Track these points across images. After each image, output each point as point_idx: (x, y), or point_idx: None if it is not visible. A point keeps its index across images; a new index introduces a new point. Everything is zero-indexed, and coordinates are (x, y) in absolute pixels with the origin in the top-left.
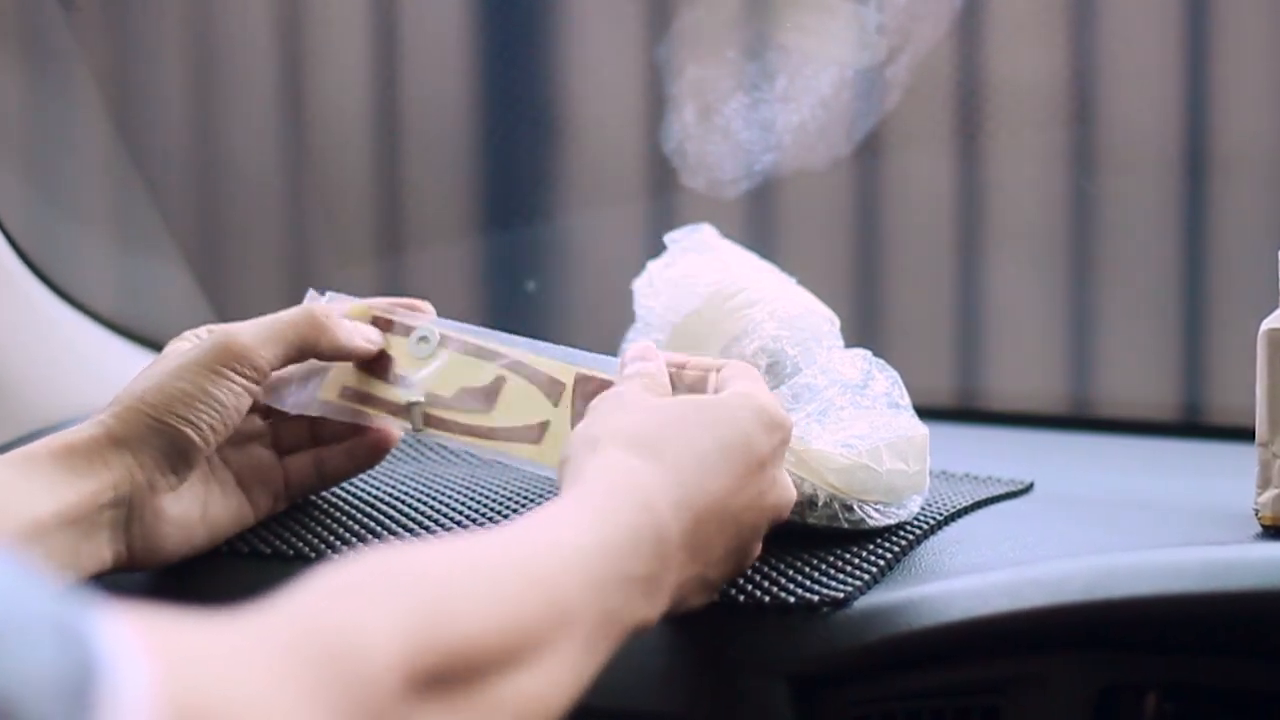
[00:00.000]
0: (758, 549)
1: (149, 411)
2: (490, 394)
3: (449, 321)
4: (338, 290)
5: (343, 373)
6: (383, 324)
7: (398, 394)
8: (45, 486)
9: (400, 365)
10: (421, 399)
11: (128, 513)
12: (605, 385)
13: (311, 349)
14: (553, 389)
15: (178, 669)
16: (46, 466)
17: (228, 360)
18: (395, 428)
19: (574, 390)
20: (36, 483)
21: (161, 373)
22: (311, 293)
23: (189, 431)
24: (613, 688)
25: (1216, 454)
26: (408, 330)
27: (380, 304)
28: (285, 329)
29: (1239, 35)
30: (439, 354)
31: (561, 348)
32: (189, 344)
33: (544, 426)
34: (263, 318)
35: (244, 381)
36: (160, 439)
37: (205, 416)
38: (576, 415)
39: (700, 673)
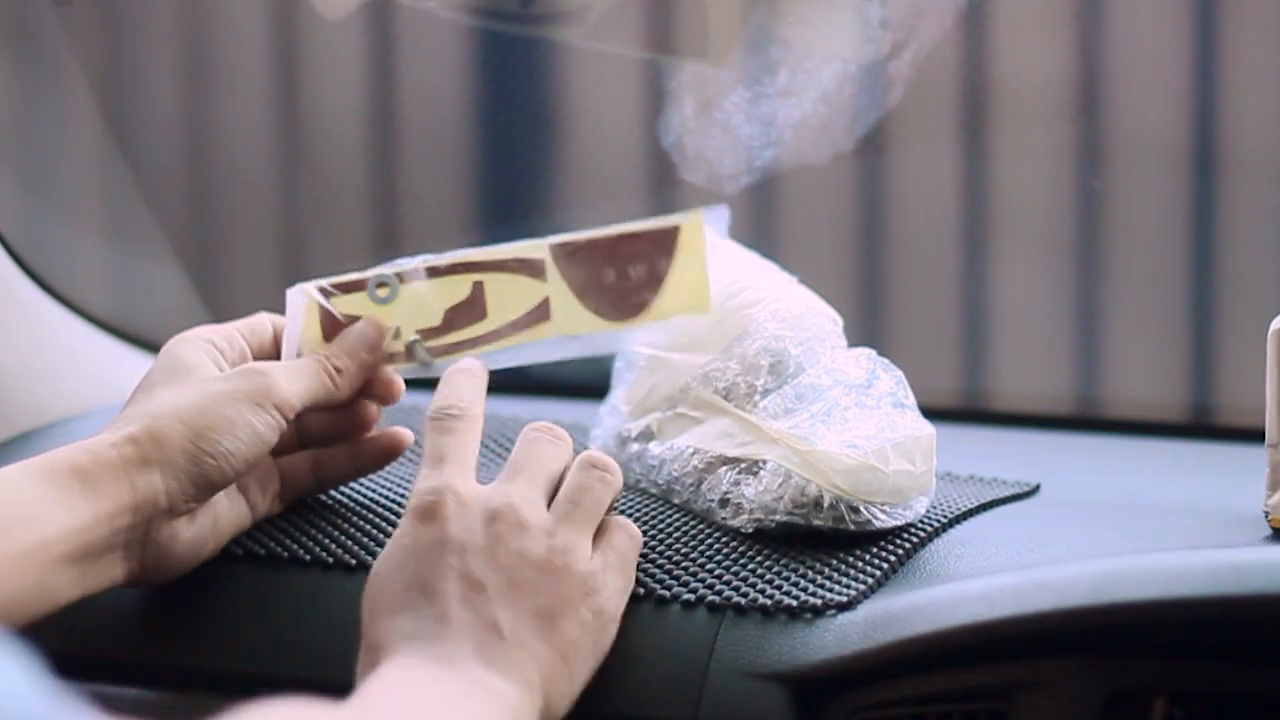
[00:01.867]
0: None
1: (189, 435)
2: (476, 302)
3: (396, 261)
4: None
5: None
6: (340, 288)
7: (393, 344)
8: (62, 503)
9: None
10: (415, 336)
11: (144, 533)
12: (587, 246)
13: (330, 401)
14: (534, 269)
15: None
16: (67, 480)
17: (268, 397)
18: (403, 374)
19: (554, 261)
20: (53, 499)
21: (199, 396)
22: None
23: (222, 462)
24: (614, 694)
25: (1226, 455)
26: (363, 284)
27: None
28: (312, 381)
29: (1249, 28)
30: (404, 291)
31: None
32: (199, 351)
33: (546, 302)
34: (290, 364)
35: (279, 420)
36: (193, 465)
37: (242, 449)
38: (569, 280)
39: (702, 678)
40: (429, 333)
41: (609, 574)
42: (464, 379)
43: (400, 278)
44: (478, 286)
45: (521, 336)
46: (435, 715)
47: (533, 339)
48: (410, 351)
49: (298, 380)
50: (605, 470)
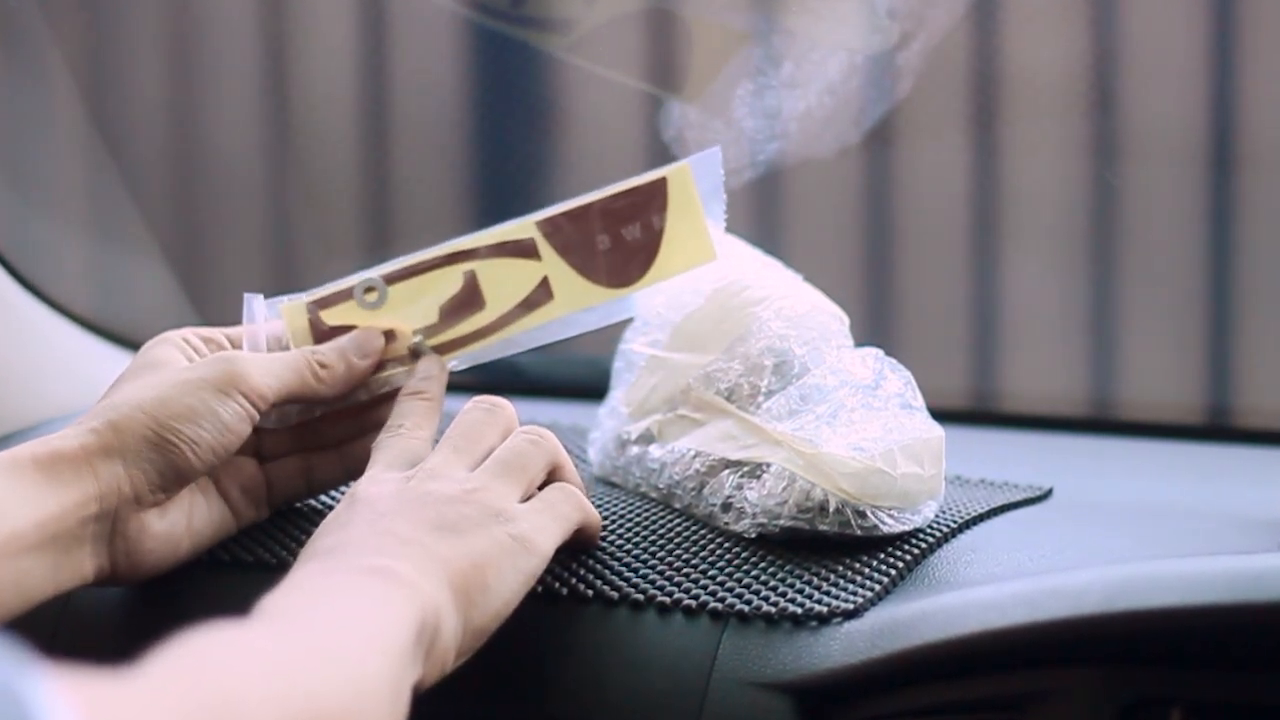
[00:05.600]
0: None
1: (149, 424)
2: (471, 293)
3: (376, 268)
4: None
5: None
6: (325, 303)
7: (391, 350)
8: (27, 497)
9: (369, 326)
10: (418, 337)
11: (111, 527)
12: (574, 217)
13: (311, 396)
14: (525, 249)
15: None
16: (30, 474)
17: (235, 385)
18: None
19: (545, 238)
20: (18, 492)
21: (163, 385)
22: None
23: (187, 451)
24: (614, 702)
25: (1244, 458)
26: (349, 293)
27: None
28: (288, 372)
29: (1269, 18)
30: (392, 293)
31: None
32: (173, 349)
33: (545, 282)
34: (266, 354)
35: (249, 410)
36: (157, 454)
37: (207, 437)
38: (565, 256)
39: (704, 687)
40: (429, 330)
41: (533, 514)
42: (413, 402)
43: (386, 279)
44: (470, 276)
45: (528, 321)
46: (331, 601)
47: (540, 321)
48: (415, 353)
49: (272, 370)
50: (537, 435)
